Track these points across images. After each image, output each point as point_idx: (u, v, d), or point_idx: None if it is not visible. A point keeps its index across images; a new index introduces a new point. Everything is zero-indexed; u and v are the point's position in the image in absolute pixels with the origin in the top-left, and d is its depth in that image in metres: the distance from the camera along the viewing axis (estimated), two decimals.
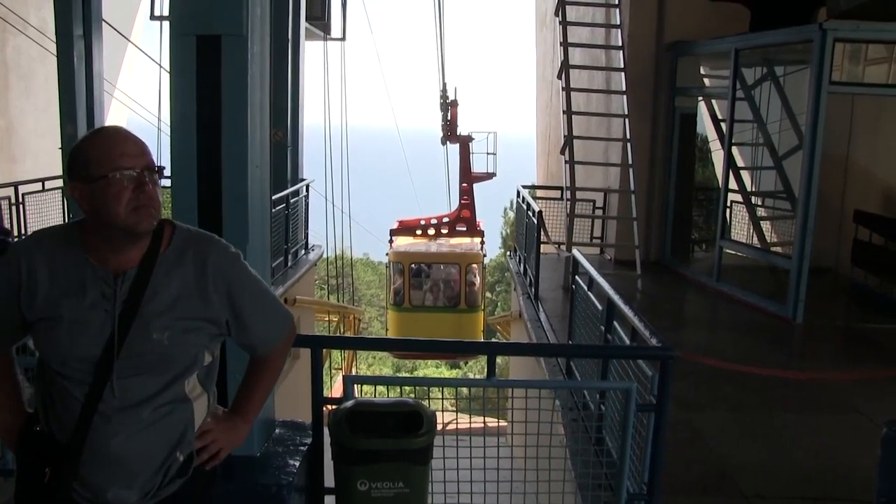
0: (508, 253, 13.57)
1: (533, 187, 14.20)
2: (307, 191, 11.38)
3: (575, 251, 6.26)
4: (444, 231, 17.74)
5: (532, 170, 20.54)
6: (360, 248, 37.43)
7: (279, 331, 2.24)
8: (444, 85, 17.67)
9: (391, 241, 17.57)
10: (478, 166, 17.81)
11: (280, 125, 10.72)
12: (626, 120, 10.06)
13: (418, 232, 17.79)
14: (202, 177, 3.11)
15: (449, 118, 17.62)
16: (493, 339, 18.46)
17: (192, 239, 2.06)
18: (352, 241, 19.85)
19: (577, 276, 5.66)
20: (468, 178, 17.79)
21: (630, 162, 9.92)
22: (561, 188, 10.93)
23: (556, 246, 10.58)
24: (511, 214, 32.74)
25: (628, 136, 10.00)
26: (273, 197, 8.78)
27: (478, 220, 18.06)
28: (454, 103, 17.65)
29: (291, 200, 10.16)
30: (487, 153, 17.96)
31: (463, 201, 17.84)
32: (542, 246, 8.84)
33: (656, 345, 3.58)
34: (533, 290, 8.68)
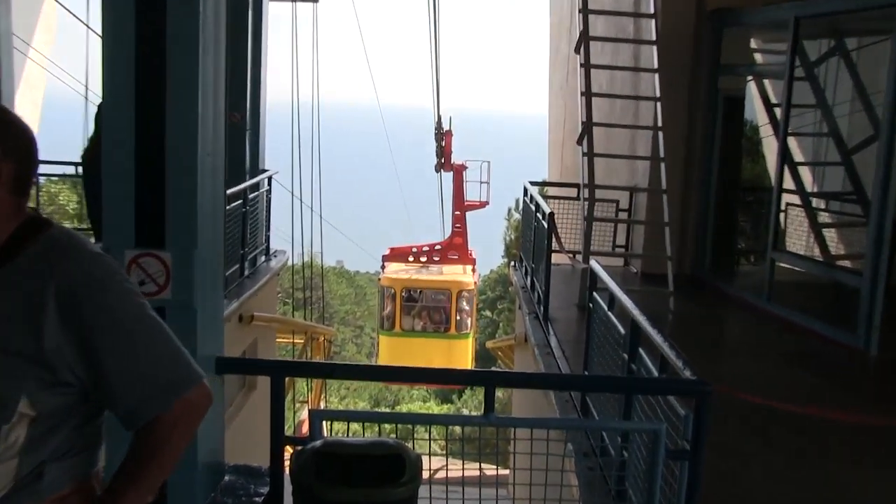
0: (513, 263, 13.59)
1: (543, 184, 14.27)
2: (269, 184, 11.38)
3: (593, 262, 6.28)
4: (436, 258, 21.08)
5: (543, 163, 20.81)
6: (332, 255, 37.41)
7: (160, 398, 1.90)
8: (440, 117, 20.88)
9: (383, 267, 21.00)
10: (471, 194, 21.40)
11: (238, 105, 10.71)
12: (658, 104, 10.09)
13: (410, 259, 21.07)
14: (141, 166, 3.11)
15: (443, 146, 20.83)
16: (493, 368, 18.55)
17: (55, 248, 1.89)
18: (322, 245, 20.11)
19: (595, 293, 5.68)
20: (461, 206, 21.15)
21: (661, 155, 9.95)
22: (577, 185, 10.96)
23: (571, 255, 10.60)
24: (516, 216, 32.84)
25: (660, 124, 10.03)
26: (228, 192, 8.77)
27: (469, 248, 21.30)
28: (448, 133, 20.86)
29: (250, 196, 10.16)
30: (481, 182, 21.57)
31: (455, 228, 21.14)
32: (553, 255, 8.86)
33: (690, 378, 3.60)
34: (542, 308, 8.70)
